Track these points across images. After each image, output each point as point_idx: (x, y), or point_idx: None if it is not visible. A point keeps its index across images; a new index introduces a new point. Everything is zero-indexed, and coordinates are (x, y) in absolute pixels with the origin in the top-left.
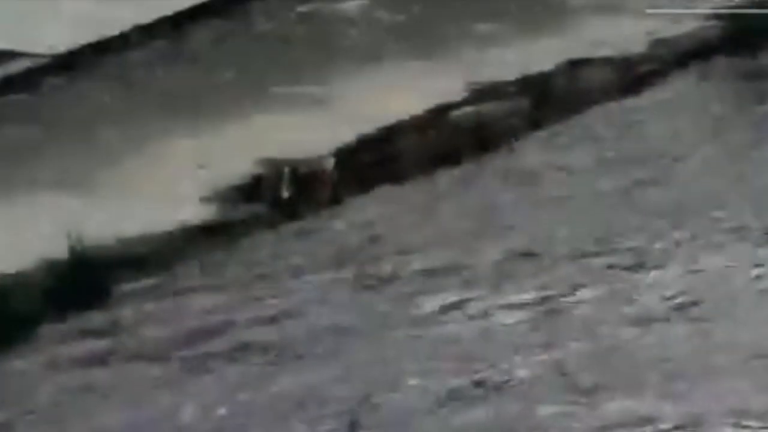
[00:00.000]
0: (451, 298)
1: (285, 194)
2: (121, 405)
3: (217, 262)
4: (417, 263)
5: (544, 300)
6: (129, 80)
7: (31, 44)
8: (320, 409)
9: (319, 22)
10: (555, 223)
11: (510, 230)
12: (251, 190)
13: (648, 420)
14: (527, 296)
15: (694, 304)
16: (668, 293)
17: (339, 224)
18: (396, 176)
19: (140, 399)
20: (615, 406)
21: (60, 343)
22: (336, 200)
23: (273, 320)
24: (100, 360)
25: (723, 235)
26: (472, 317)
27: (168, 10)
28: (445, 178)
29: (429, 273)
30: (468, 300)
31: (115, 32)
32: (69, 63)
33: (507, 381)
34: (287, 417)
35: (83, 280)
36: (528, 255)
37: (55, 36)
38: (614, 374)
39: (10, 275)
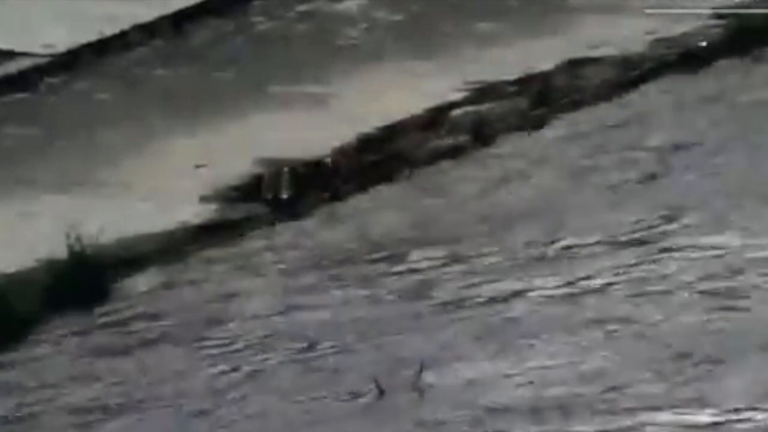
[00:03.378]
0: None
1: (284, 194)
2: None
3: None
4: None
5: None
6: (129, 80)
7: (30, 44)
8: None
9: (319, 21)
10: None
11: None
12: (251, 189)
13: None
14: None
15: None
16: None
17: (340, 223)
18: (396, 176)
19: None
20: None
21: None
22: (336, 199)
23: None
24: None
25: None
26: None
27: (168, 9)
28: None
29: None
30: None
31: (115, 32)
32: (69, 63)
33: None
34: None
35: (83, 280)
36: None
37: (55, 36)
38: None
39: (10, 275)
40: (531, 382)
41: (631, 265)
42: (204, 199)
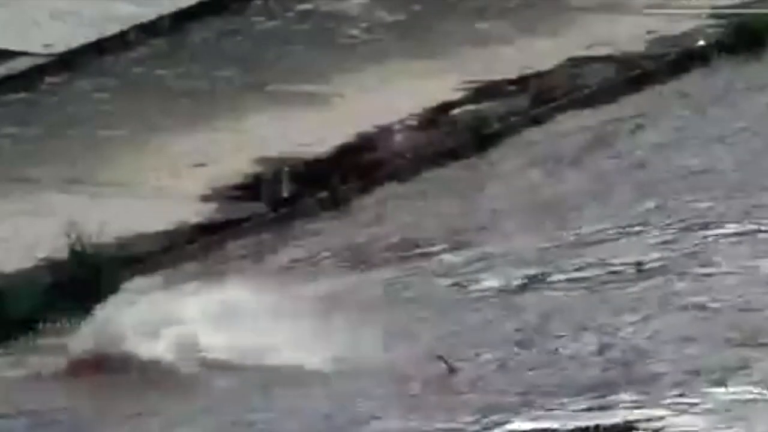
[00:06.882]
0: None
1: (285, 193)
2: None
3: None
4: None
5: None
6: (128, 79)
7: (31, 44)
8: None
9: (319, 20)
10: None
11: None
12: (251, 188)
13: None
14: None
15: None
16: None
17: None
18: (396, 175)
19: None
20: None
21: None
22: (336, 198)
23: None
24: None
25: None
26: None
27: (168, 8)
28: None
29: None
30: None
31: (115, 32)
32: (69, 62)
33: None
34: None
35: (83, 279)
36: None
37: (55, 36)
38: None
39: (10, 275)
40: None
41: None
42: (204, 198)
